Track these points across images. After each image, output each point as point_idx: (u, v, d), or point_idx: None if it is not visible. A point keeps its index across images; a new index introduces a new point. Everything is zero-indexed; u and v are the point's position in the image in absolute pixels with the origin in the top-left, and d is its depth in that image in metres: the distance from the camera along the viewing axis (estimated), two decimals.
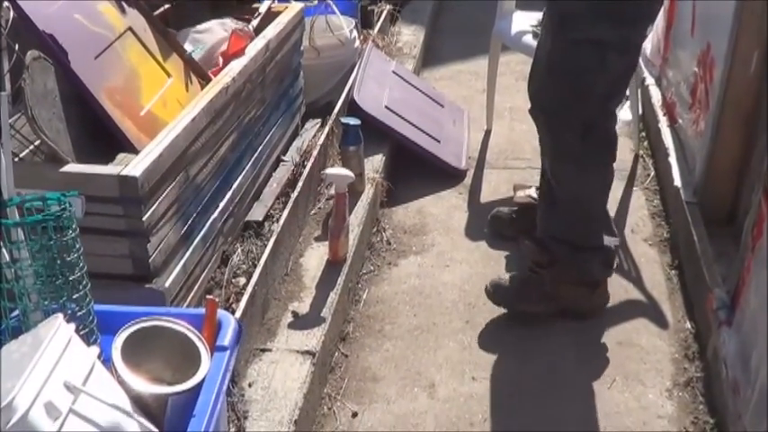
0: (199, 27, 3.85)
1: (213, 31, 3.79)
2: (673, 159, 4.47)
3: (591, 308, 3.59)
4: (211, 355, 2.11)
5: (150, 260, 2.59)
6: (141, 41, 3.24)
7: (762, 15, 3.59)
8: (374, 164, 4.33)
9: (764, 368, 2.61)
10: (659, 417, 3.14)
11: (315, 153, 3.93)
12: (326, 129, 4.17)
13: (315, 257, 3.57)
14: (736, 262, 3.14)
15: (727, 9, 3.78)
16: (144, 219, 2.52)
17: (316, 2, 4.40)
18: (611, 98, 3.29)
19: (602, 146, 3.36)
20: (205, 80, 3.39)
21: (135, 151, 2.72)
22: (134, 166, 2.50)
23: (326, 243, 3.55)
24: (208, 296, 2.32)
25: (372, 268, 3.91)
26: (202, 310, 2.21)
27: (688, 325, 3.58)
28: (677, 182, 4.23)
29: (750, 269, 2.92)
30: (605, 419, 3.13)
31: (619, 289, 3.82)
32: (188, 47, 3.59)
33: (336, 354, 3.33)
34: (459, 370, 3.33)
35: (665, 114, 5.03)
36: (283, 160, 3.88)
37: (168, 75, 3.28)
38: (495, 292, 3.57)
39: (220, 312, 2.23)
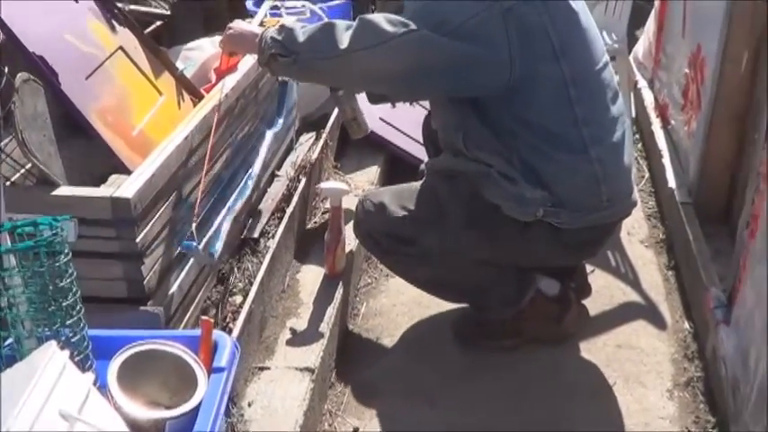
0: (190, 44, 3.85)
1: (205, 48, 3.80)
2: (666, 161, 4.48)
3: (563, 333, 3.52)
4: (208, 376, 2.10)
5: (145, 282, 2.57)
6: (132, 60, 3.22)
7: (752, 14, 3.60)
8: (369, 176, 4.33)
9: (763, 365, 2.61)
10: (661, 418, 3.14)
11: (309, 167, 3.91)
12: (321, 142, 4.16)
13: (312, 272, 3.55)
14: (733, 260, 3.14)
15: (716, 9, 3.79)
16: (138, 240, 2.50)
17: (308, 14, 4.39)
18: None
19: None
20: (197, 97, 3.38)
21: (128, 172, 2.70)
22: (126, 187, 2.48)
23: (323, 257, 3.53)
24: (203, 317, 2.30)
25: (370, 281, 3.91)
26: (198, 332, 2.20)
27: (686, 325, 3.59)
28: (671, 183, 4.24)
29: (746, 267, 2.92)
30: (607, 422, 3.14)
31: (617, 291, 3.84)
32: (180, 64, 3.59)
33: (336, 369, 3.31)
34: (460, 380, 3.32)
35: (657, 116, 5.04)
36: (278, 175, 3.87)
37: (160, 93, 3.28)
38: (455, 330, 3.56)
39: (216, 333, 2.22)
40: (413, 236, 3.21)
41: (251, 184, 3.30)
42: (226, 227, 3.02)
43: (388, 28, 2.87)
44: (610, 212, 3.15)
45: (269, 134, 3.55)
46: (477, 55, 2.90)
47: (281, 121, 3.67)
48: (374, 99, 3.53)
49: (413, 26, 2.86)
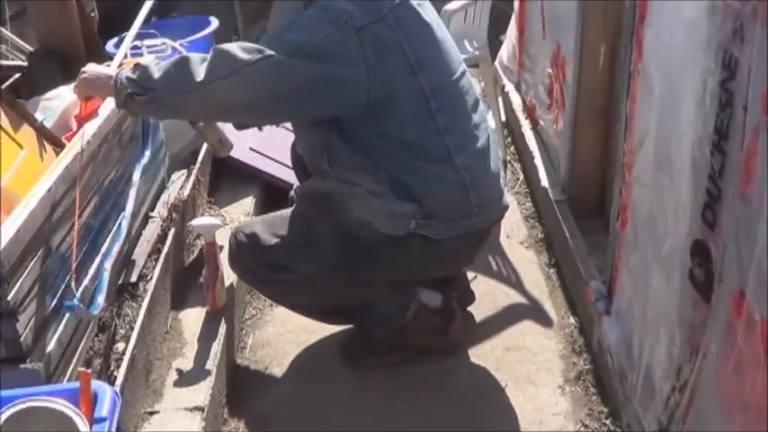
0: (49, 94, 3.80)
1: (64, 96, 3.74)
2: (538, 161, 4.56)
3: (451, 343, 3.55)
4: (90, 428, 2.07)
5: (22, 339, 2.51)
6: None
7: (605, 10, 3.67)
8: (245, 207, 4.31)
9: (646, 352, 2.65)
10: (555, 414, 3.19)
11: (182, 205, 3.88)
12: (192, 179, 4.13)
13: (193, 311, 3.52)
14: (608, 252, 3.19)
15: (572, 8, 3.86)
16: (9, 298, 2.45)
17: (169, 51, 4.36)
18: None
19: None
20: (59, 147, 3.32)
21: None
22: None
23: (204, 295, 3.49)
24: (80, 369, 2.27)
25: (255, 312, 3.89)
26: (78, 384, 2.17)
27: (572, 320, 3.66)
28: (544, 182, 4.31)
29: (621, 257, 2.98)
30: (501, 424, 3.18)
31: (500, 295, 3.89)
32: (39, 115, 3.53)
33: (228, 405, 3.29)
34: (352, 399, 3.33)
35: (526, 118, 5.12)
36: (152, 216, 3.83)
37: (21, 147, 3.21)
38: (343, 351, 3.57)
39: (95, 383, 2.19)
40: (287, 262, 3.21)
41: (125, 226, 3.27)
42: (106, 276, 2.98)
43: (243, 56, 2.87)
44: (481, 218, 3.19)
45: (137, 168, 3.52)
46: (335, 75, 2.92)
47: (147, 152, 3.64)
48: (239, 126, 3.52)
49: (268, 52, 2.86)
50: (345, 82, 2.95)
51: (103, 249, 3.17)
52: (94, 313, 2.86)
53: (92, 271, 3.04)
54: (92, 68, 3.20)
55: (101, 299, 2.88)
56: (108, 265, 3.06)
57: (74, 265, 2.79)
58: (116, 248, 3.17)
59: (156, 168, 4.00)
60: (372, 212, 3.07)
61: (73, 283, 2.76)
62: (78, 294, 2.79)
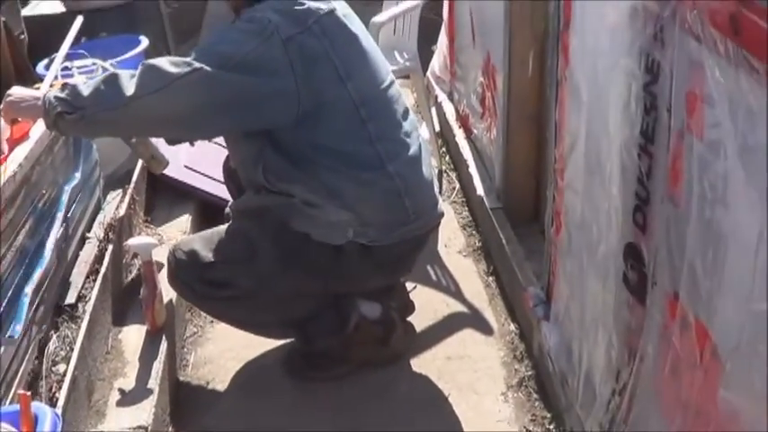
0: None
1: None
2: (473, 170, 4.59)
3: (392, 353, 3.57)
4: None
5: None
6: None
7: (531, 16, 3.71)
8: (181, 225, 4.29)
9: (586, 356, 2.68)
10: (498, 421, 3.22)
11: (118, 225, 3.86)
12: (127, 198, 4.11)
13: (134, 330, 3.49)
14: (544, 258, 3.22)
15: (499, 16, 3.89)
16: None
17: (99, 71, 4.33)
18: None
19: None
20: None
21: None
22: None
23: (143, 314, 3.48)
24: (20, 391, 2.26)
25: (195, 330, 3.88)
26: (18, 407, 2.16)
27: (512, 327, 3.68)
28: (480, 191, 4.34)
29: (557, 262, 3.01)
30: None
31: (440, 304, 3.90)
32: None
33: (172, 423, 3.27)
34: (295, 413, 3.34)
35: (460, 127, 5.15)
36: (88, 237, 3.81)
37: None
38: (287, 365, 3.58)
39: (35, 405, 2.18)
40: (227, 278, 3.21)
41: (50, 249, 3.23)
42: (26, 302, 2.95)
43: (172, 69, 2.88)
44: (417, 225, 3.22)
45: (66, 190, 3.50)
46: (264, 87, 2.94)
47: (77, 174, 3.62)
48: (171, 141, 3.52)
49: (196, 65, 2.87)
50: (274, 93, 2.97)
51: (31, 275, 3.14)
52: (13, 339, 2.81)
53: (14, 298, 3.00)
54: (17, 91, 3.17)
55: (18, 327, 2.83)
56: (28, 290, 3.01)
57: None
58: (38, 273, 3.12)
59: (90, 189, 3.98)
60: (309, 223, 3.08)
61: None
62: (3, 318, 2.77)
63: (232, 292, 3.23)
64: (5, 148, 3.34)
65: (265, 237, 3.20)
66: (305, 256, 3.16)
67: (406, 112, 3.29)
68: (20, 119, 3.23)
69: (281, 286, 3.22)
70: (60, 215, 3.41)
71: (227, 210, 3.53)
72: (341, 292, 3.41)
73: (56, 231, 3.33)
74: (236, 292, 3.23)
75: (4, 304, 2.80)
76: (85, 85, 2.96)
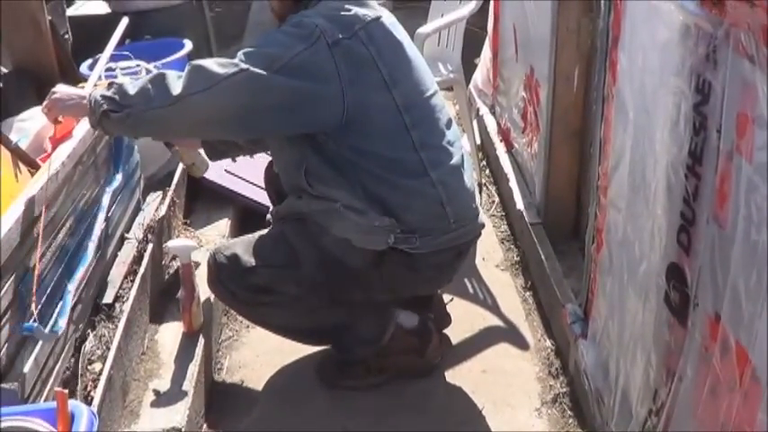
0: (22, 115, 3.78)
1: (37, 118, 3.73)
2: (513, 184, 4.58)
3: (427, 364, 3.57)
4: None
5: None
6: None
7: (578, 32, 3.69)
8: (220, 229, 4.31)
9: (623, 374, 2.66)
10: None
11: (158, 227, 3.88)
12: (167, 200, 4.13)
13: (170, 332, 3.51)
14: (584, 275, 3.21)
15: (544, 32, 3.89)
16: None
17: (144, 73, 4.36)
18: None
19: None
20: (35, 168, 3.32)
21: None
22: None
23: (180, 316, 3.50)
24: (57, 389, 2.26)
25: (231, 334, 3.89)
26: (54, 404, 2.17)
27: (548, 343, 3.66)
28: (519, 205, 4.33)
29: (596, 280, 2.99)
30: None
31: (477, 317, 3.90)
32: (13, 136, 3.52)
33: (205, 425, 3.28)
34: (331, 421, 3.33)
35: (501, 141, 5.14)
36: (127, 238, 3.83)
37: None
38: (319, 372, 3.58)
39: (72, 403, 2.18)
40: (269, 284, 3.22)
41: (92, 248, 3.25)
42: (69, 299, 2.97)
43: (219, 70, 2.89)
44: (458, 234, 3.22)
45: (107, 191, 3.53)
46: (309, 89, 2.95)
47: (118, 176, 3.64)
48: (215, 154, 3.54)
49: (243, 66, 2.88)
50: (320, 97, 2.98)
51: (71, 272, 3.16)
52: (57, 334, 2.84)
53: (58, 295, 3.03)
54: (62, 89, 3.18)
55: (62, 322, 2.86)
56: (71, 287, 3.04)
57: (34, 288, 2.77)
58: (80, 272, 3.14)
59: (131, 190, 4.00)
60: (351, 228, 3.08)
61: (33, 305, 2.74)
62: (46, 313, 2.78)
63: (273, 298, 3.25)
64: (49, 146, 3.36)
65: (307, 242, 3.20)
66: (346, 263, 3.16)
67: (450, 121, 3.29)
68: (62, 118, 3.23)
69: (322, 292, 3.24)
70: (101, 215, 3.42)
71: (269, 216, 3.53)
72: (381, 299, 3.41)
73: (97, 231, 3.34)
74: (277, 298, 3.24)
75: (43, 299, 2.81)
76: (132, 85, 2.97)
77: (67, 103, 3.11)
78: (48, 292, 2.89)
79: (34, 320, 2.68)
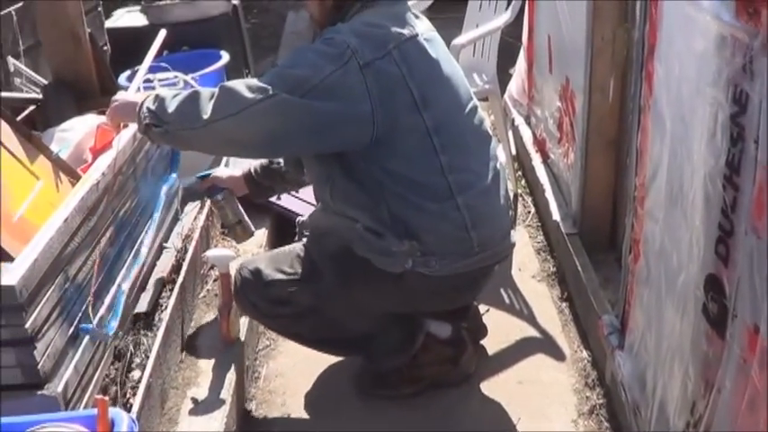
0: (63, 125, 3.82)
1: (78, 128, 3.77)
2: (549, 194, 4.57)
3: (462, 374, 3.58)
4: None
5: (39, 366, 2.52)
6: (6, 148, 3.19)
7: (613, 42, 3.69)
8: (258, 239, 4.32)
9: (660, 386, 2.65)
10: None
11: (196, 236, 3.91)
12: (206, 210, 4.15)
13: (208, 340, 3.55)
14: (621, 286, 3.20)
15: (579, 42, 3.88)
16: (27, 326, 2.46)
17: (181, 84, 4.39)
18: None
19: None
20: (75, 178, 3.35)
21: (12, 260, 2.67)
22: (10, 274, 2.44)
23: (218, 324, 3.52)
24: (97, 396, 2.29)
25: (269, 343, 3.91)
26: (95, 411, 2.19)
27: (585, 354, 3.65)
28: (556, 216, 4.32)
29: (633, 291, 2.98)
30: None
31: (513, 328, 3.89)
32: (54, 147, 3.55)
33: None
34: (365, 431, 3.34)
35: (537, 151, 5.13)
36: (165, 247, 3.86)
37: (37, 178, 3.24)
38: (357, 381, 3.59)
39: (113, 410, 2.20)
40: (288, 296, 3.28)
41: (144, 251, 3.33)
42: (122, 299, 3.01)
43: (248, 95, 2.90)
44: (480, 257, 3.20)
45: (163, 189, 3.63)
46: (339, 112, 2.95)
47: (174, 175, 3.69)
48: (257, 195, 3.60)
49: (272, 91, 2.88)
50: (350, 119, 2.98)
51: (120, 277, 3.20)
52: (109, 335, 2.88)
53: (109, 295, 3.07)
54: (122, 96, 3.30)
55: (114, 323, 2.91)
56: (125, 287, 3.10)
57: (93, 290, 2.82)
58: (134, 271, 3.22)
59: (170, 199, 4.03)
60: (370, 249, 3.10)
61: (90, 308, 2.78)
62: (95, 318, 2.82)
63: (293, 309, 3.30)
64: (89, 156, 3.40)
65: (327, 257, 3.24)
66: (366, 280, 3.18)
67: (486, 138, 3.28)
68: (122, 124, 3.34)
69: (342, 305, 3.27)
70: (151, 223, 3.49)
71: (298, 219, 3.56)
72: (404, 313, 3.43)
73: (153, 231, 3.45)
74: (296, 309, 3.29)
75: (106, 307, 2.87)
76: (173, 100, 3.01)
77: (126, 109, 3.20)
78: (88, 300, 2.92)
79: (91, 322, 2.73)
